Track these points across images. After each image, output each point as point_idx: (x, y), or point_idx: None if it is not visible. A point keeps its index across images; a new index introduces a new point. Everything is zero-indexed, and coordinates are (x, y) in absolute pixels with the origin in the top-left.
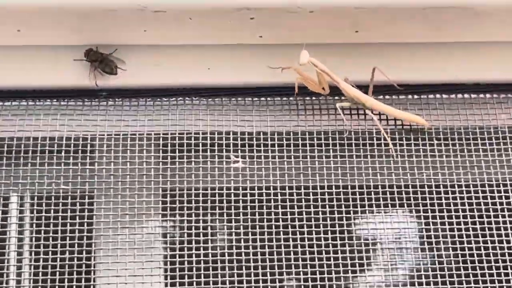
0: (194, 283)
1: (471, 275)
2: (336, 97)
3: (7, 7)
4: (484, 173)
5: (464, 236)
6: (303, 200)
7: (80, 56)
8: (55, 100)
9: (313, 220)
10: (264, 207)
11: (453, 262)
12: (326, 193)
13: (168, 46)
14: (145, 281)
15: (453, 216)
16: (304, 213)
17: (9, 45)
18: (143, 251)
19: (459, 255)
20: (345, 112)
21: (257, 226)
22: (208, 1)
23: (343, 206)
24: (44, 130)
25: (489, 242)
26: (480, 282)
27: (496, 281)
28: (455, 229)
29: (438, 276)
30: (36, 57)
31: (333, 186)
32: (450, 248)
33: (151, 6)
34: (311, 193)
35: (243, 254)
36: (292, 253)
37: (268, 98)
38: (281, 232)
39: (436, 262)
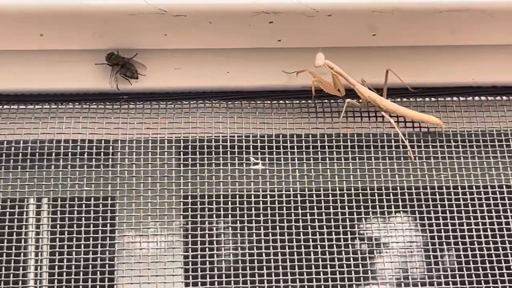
0: (216, 282)
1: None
2: (354, 99)
3: (30, 12)
4: (502, 175)
5: (483, 236)
6: (322, 201)
7: (101, 60)
8: (77, 103)
9: (332, 221)
10: (284, 208)
11: (471, 262)
12: (345, 195)
13: (188, 50)
14: (167, 281)
15: (471, 217)
16: (323, 214)
17: (32, 50)
18: (165, 252)
19: (477, 255)
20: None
21: (277, 227)
22: (227, 5)
23: (362, 207)
24: (66, 133)
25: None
26: None
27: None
28: (473, 229)
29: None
30: (59, 61)
31: (352, 188)
32: (469, 249)
33: (171, 11)
34: (330, 195)
35: (263, 254)
36: (312, 253)
37: (287, 101)
38: (301, 233)
39: (455, 262)
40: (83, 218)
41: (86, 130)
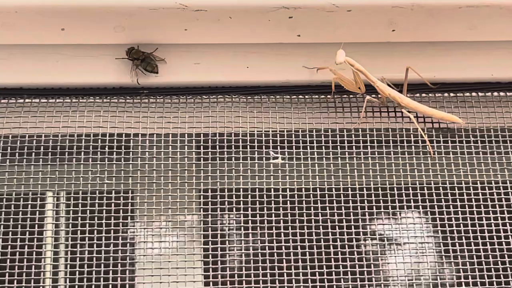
0: (235, 275)
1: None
2: (373, 95)
3: (52, 7)
4: None
5: (501, 231)
6: (342, 195)
7: (122, 55)
8: (98, 97)
9: (351, 215)
10: (304, 202)
11: (490, 256)
12: (365, 189)
13: (208, 44)
14: (187, 273)
15: (490, 212)
16: (343, 208)
17: (53, 44)
18: (185, 244)
19: (496, 249)
20: (372, 109)
21: (297, 221)
22: (247, 0)
23: (381, 201)
24: (87, 126)
25: None
26: None
27: None
28: (492, 224)
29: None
30: (80, 56)
31: (371, 182)
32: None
33: (192, 6)
34: (349, 189)
35: (283, 247)
36: (331, 246)
37: (306, 96)
38: (320, 227)
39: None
40: (104, 211)
41: (106, 124)
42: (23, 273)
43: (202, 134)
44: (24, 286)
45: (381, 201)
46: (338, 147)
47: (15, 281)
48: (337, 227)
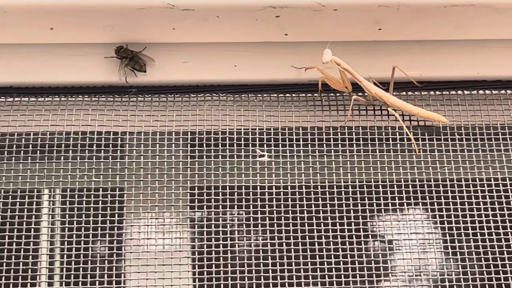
0: (221, 272)
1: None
2: (360, 94)
3: (41, 7)
4: (505, 167)
5: (485, 228)
6: (327, 193)
7: (110, 54)
8: (86, 96)
9: (337, 212)
10: (289, 199)
11: (474, 264)
12: (350, 187)
13: (196, 43)
14: (173, 270)
15: (474, 209)
16: (328, 205)
17: (42, 43)
18: (172, 241)
19: (478, 249)
20: (359, 107)
21: (282, 218)
22: (234, 0)
23: (366, 199)
24: (76, 125)
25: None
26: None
27: None
28: (476, 221)
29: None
30: (69, 55)
31: (357, 180)
32: (470, 246)
33: (179, 5)
34: (335, 187)
35: (268, 245)
36: (316, 243)
37: (293, 95)
38: (306, 224)
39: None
40: (92, 209)
41: (95, 122)
42: (19, 270)
43: (190, 132)
44: (20, 283)
45: (366, 198)
46: (325, 145)
47: (12, 271)
48: (322, 224)
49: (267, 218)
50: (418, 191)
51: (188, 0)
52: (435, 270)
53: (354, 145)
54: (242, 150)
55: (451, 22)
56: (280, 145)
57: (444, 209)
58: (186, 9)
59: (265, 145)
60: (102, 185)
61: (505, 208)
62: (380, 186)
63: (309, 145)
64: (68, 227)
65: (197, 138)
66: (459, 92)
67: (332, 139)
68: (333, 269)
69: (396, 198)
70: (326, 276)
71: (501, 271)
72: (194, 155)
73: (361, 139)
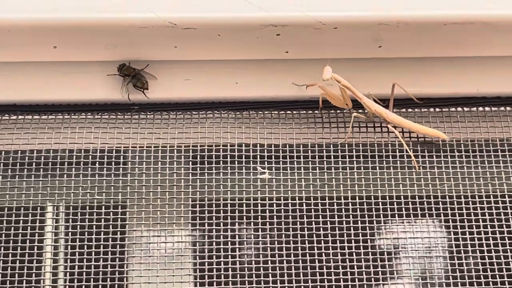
0: None
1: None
2: (360, 110)
3: (44, 26)
4: (504, 184)
5: (484, 245)
6: (327, 210)
7: (113, 71)
8: (89, 113)
9: (337, 229)
10: (290, 217)
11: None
12: (350, 203)
13: (198, 61)
14: (175, 287)
15: (474, 226)
16: (328, 223)
17: (46, 61)
18: (174, 259)
19: (479, 263)
20: (359, 124)
21: (283, 235)
22: (235, 18)
23: (366, 216)
24: (79, 142)
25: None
26: None
27: None
28: (476, 238)
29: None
30: (71, 73)
31: (357, 197)
32: (470, 256)
33: (181, 24)
34: (335, 203)
35: (269, 262)
36: (317, 261)
37: (294, 112)
38: (306, 241)
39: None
40: (94, 226)
41: (97, 139)
42: (23, 287)
43: (191, 149)
44: None
45: (366, 214)
46: (325, 161)
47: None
48: (322, 241)
49: (268, 234)
50: (418, 208)
51: (189, 19)
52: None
53: (354, 161)
54: (243, 166)
55: (451, 39)
56: (281, 162)
57: (444, 226)
58: (187, 27)
59: (266, 161)
60: (105, 202)
61: (504, 226)
62: (380, 202)
63: (310, 162)
64: (71, 244)
65: (198, 155)
66: (459, 109)
67: (332, 156)
68: (334, 286)
69: (396, 214)
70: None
71: (499, 281)
72: (196, 172)
73: (361, 155)
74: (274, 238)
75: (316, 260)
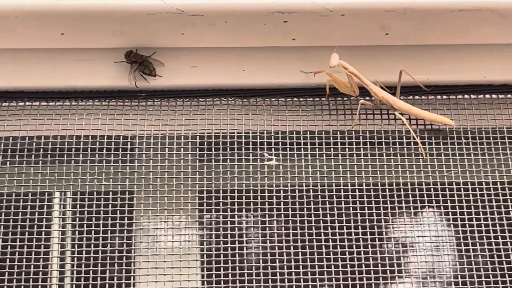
0: (229, 275)
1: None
2: (367, 97)
3: (52, 12)
4: (511, 171)
5: (491, 231)
6: (334, 197)
7: (120, 58)
8: (96, 100)
9: (344, 216)
10: (297, 203)
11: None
12: (357, 190)
13: (205, 48)
14: (182, 273)
15: (480, 213)
16: (335, 209)
17: (53, 48)
18: (181, 244)
19: (487, 250)
20: (366, 111)
21: (290, 221)
22: (243, 5)
23: (373, 202)
24: (86, 129)
25: None
26: None
27: None
28: (482, 224)
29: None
30: (79, 59)
31: (364, 184)
32: (477, 243)
33: (188, 10)
34: (342, 190)
35: (276, 248)
36: (323, 247)
37: (301, 99)
38: (313, 227)
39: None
40: (102, 212)
41: (105, 126)
42: (30, 272)
43: (198, 136)
44: (31, 285)
45: (373, 201)
46: (332, 148)
47: (23, 273)
48: (329, 227)
49: (275, 221)
50: (425, 195)
51: (196, 5)
52: (444, 274)
53: (361, 148)
54: (250, 153)
55: (458, 26)
56: (288, 148)
57: (450, 213)
58: (194, 14)
59: (273, 148)
60: (112, 188)
61: (511, 212)
62: (387, 189)
63: (317, 148)
64: (78, 230)
65: (205, 142)
66: (466, 96)
67: (339, 143)
68: (341, 272)
69: (403, 201)
70: (333, 279)
71: (507, 274)
72: (203, 158)
73: (368, 142)
74: (281, 225)
75: (323, 246)
